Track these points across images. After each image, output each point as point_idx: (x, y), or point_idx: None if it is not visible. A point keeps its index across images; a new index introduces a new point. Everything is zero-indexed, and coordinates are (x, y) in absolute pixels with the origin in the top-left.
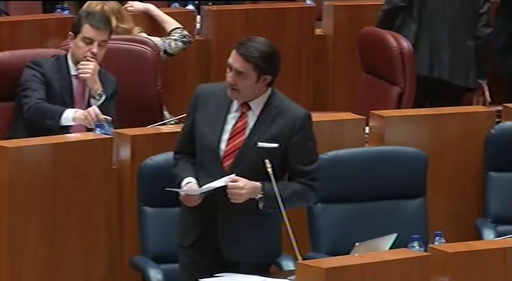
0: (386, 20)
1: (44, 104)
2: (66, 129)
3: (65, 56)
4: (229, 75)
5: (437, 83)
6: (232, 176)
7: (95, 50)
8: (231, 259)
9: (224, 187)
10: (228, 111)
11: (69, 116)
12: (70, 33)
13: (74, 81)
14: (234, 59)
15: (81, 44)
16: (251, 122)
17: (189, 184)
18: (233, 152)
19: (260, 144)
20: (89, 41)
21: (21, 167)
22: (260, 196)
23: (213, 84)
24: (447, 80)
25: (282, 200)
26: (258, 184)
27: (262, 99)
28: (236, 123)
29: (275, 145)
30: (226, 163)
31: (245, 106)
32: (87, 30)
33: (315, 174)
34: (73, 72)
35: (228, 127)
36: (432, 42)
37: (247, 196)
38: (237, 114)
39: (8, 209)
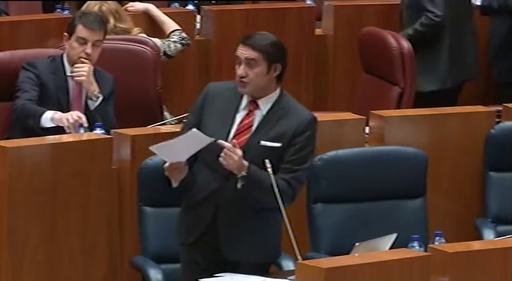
0: (422, 38)
1: (29, 105)
2: (62, 130)
3: (61, 57)
4: (240, 68)
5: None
6: (235, 141)
7: (88, 50)
8: (231, 258)
9: (221, 186)
10: (237, 111)
11: (48, 117)
12: (65, 34)
13: (70, 82)
14: (242, 50)
15: (75, 44)
16: (257, 121)
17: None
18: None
19: (263, 142)
20: (83, 41)
21: (21, 167)
22: (244, 174)
23: (223, 83)
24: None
25: (262, 187)
26: (247, 163)
27: (271, 99)
28: (242, 120)
29: (278, 144)
30: None
31: (253, 104)
32: (80, 30)
33: (299, 175)
34: (69, 73)
35: (235, 125)
36: (461, 49)
37: (235, 166)
38: (245, 112)
39: (8, 209)
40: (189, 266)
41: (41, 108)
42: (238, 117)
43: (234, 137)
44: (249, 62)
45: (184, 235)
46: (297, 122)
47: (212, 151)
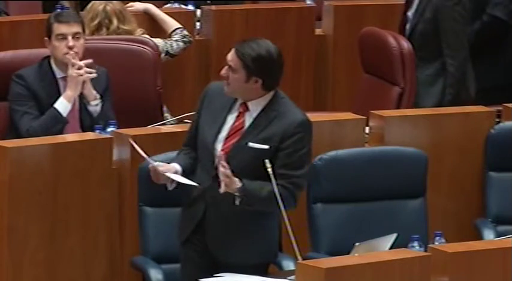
0: None
1: (38, 121)
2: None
3: (48, 62)
4: (224, 68)
5: None
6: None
7: (70, 43)
8: (220, 259)
9: (210, 186)
10: (229, 112)
11: (63, 102)
12: (45, 38)
13: (61, 84)
14: (230, 53)
15: (57, 43)
16: (247, 123)
17: (167, 166)
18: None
19: (251, 144)
20: (62, 37)
21: (21, 167)
22: (237, 192)
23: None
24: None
25: (258, 199)
26: (237, 180)
27: (262, 102)
28: (234, 123)
29: (265, 147)
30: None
31: (243, 106)
32: (57, 27)
33: (298, 180)
34: (58, 75)
35: (227, 127)
36: None
37: (230, 186)
38: (235, 114)
39: (8, 209)
40: (185, 263)
41: (48, 112)
42: (230, 119)
43: (226, 139)
44: (231, 67)
45: (178, 233)
46: (286, 124)
47: (206, 152)
